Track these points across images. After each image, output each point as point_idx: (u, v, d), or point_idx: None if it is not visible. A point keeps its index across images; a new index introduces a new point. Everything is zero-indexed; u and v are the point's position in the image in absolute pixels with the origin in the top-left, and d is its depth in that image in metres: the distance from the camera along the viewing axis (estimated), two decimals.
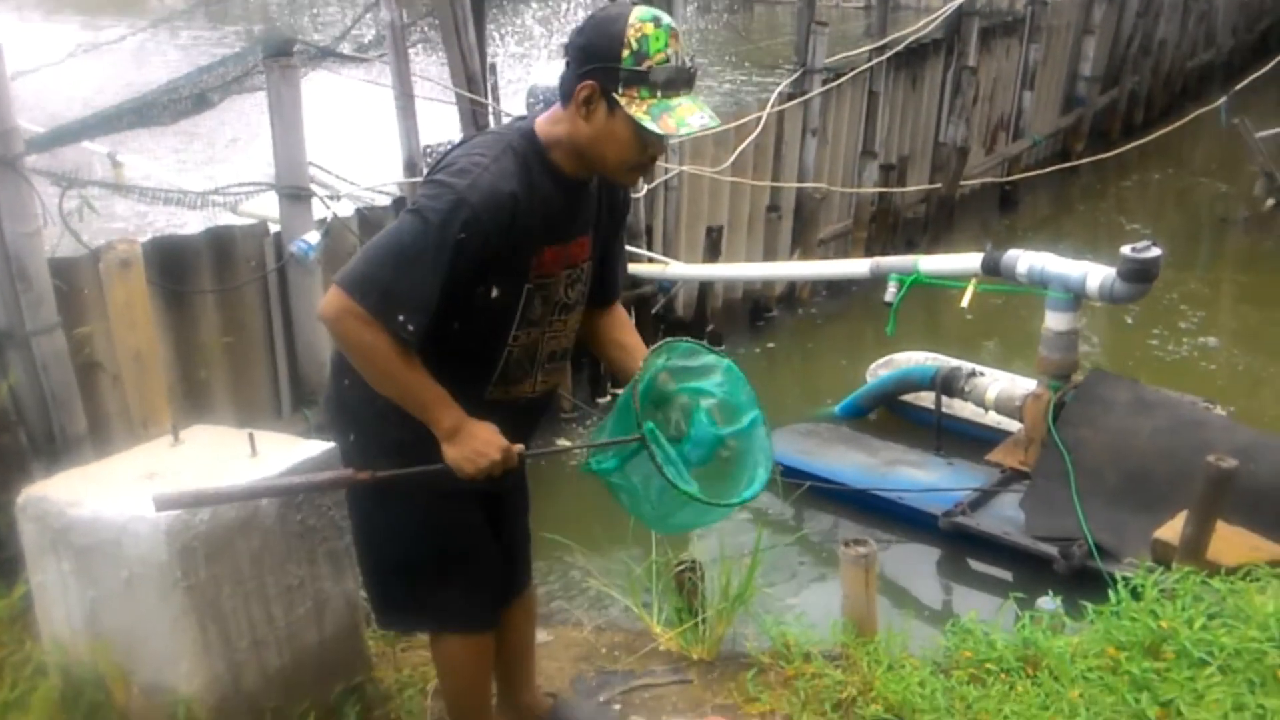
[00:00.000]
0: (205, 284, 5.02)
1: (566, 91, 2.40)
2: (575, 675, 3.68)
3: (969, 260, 5.86)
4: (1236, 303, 9.11)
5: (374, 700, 3.14)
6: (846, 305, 8.79)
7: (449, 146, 2.58)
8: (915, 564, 5.39)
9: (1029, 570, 5.00)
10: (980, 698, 3.24)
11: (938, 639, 3.65)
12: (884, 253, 8.34)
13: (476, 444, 2.45)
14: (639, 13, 2.33)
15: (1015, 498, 5.44)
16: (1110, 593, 3.54)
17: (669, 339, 2.58)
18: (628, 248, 7.36)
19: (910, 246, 9.42)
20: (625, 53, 2.31)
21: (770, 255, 8.57)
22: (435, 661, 2.99)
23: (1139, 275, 5.19)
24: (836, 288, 8.94)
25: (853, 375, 7.18)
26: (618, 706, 3.48)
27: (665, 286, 7.58)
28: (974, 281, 5.81)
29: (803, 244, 8.73)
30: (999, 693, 3.25)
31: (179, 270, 4.91)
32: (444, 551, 2.70)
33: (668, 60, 2.32)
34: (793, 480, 5.70)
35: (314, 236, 5.28)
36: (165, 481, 2.73)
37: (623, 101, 2.33)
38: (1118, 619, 3.39)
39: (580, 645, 3.90)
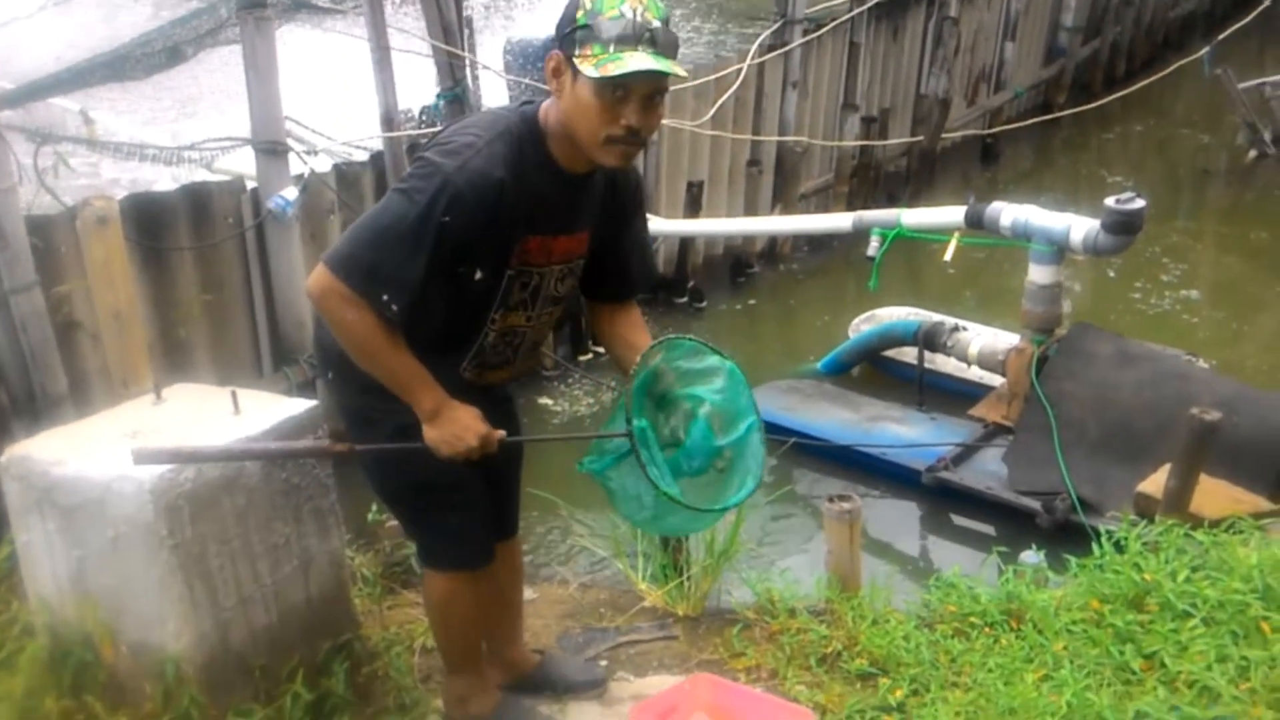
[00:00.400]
0: (183, 241, 4.96)
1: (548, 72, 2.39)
2: (561, 632, 3.69)
3: (952, 213, 5.84)
4: (1218, 255, 9.14)
5: (362, 657, 3.14)
6: (828, 260, 8.77)
7: (448, 122, 2.53)
8: (899, 520, 5.42)
9: (1012, 525, 5.02)
10: (964, 651, 3.26)
11: (921, 594, 3.67)
12: (865, 207, 8.32)
13: (456, 428, 2.47)
14: None
15: (998, 452, 5.46)
16: (1094, 546, 3.55)
17: (670, 336, 2.57)
18: None
19: (891, 200, 9.40)
20: (580, 13, 2.28)
21: (751, 210, 8.53)
22: (424, 599, 3.00)
23: (1123, 227, 5.18)
24: (818, 243, 8.91)
25: (835, 331, 7.18)
26: (604, 663, 3.49)
27: None
28: (957, 235, 5.80)
29: (784, 199, 8.69)
30: (983, 646, 3.28)
31: (156, 227, 4.85)
32: (429, 487, 2.68)
33: (620, 15, 2.26)
34: (776, 437, 5.70)
35: (292, 192, 5.22)
36: (148, 440, 2.70)
37: (577, 62, 2.29)
38: (1101, 572, 3.41)
39: (566, 602, 3.91)
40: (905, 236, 6.05)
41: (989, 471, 5.35)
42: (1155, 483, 4.37)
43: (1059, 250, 5.47)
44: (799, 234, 8.61)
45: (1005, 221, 5.55)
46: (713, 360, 2.58)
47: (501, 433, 2.53)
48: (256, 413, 2.87)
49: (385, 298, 2.34)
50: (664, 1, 2.34)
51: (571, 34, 2.29)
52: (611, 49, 2.25)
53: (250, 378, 5.21)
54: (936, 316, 6.49)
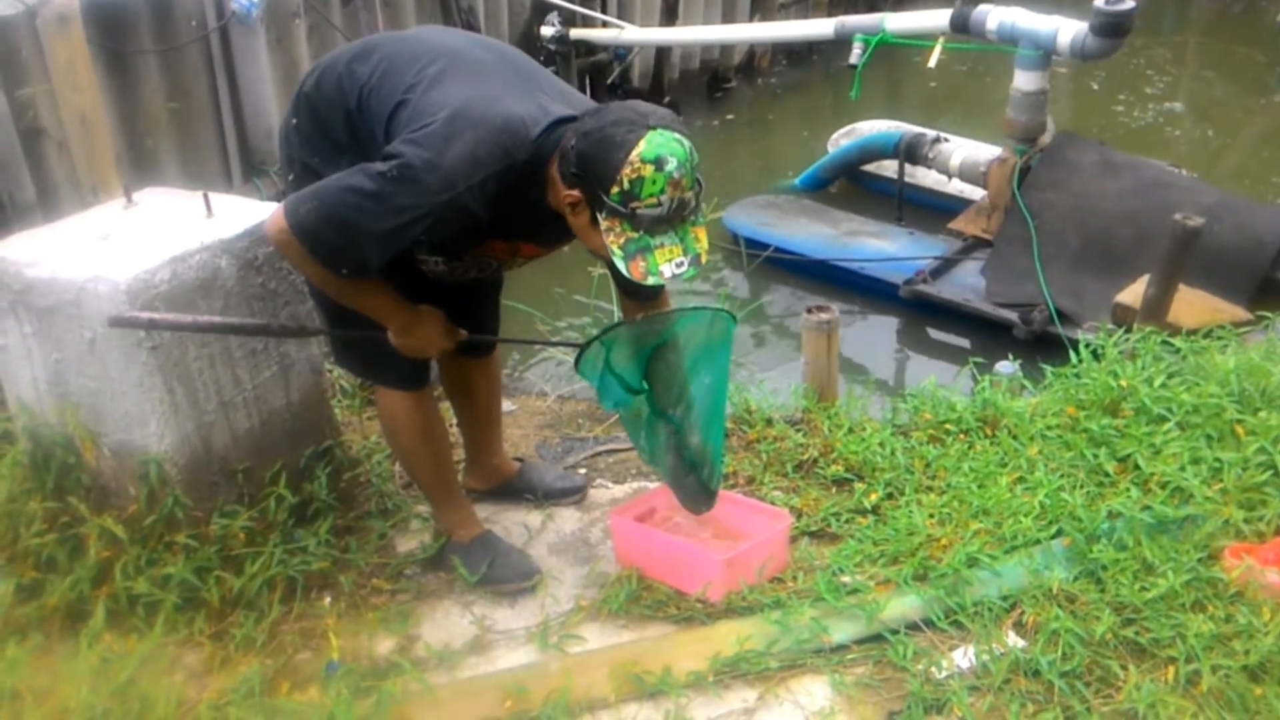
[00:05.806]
0: (145, 44, 4.79)
1: (563, 174, 2.30)
2: (540, 442, 3.71)
3: (937, 17, 5.68)
4: (1202, 68, 9.00)
5: (343, 464, 3.16)
6: (807, 75, 8.59)
7: (458, 105, 2.33)
8: (876, 334, 5.45)
9: (989, 337, 5.05)
10: (939, 456, 3.28)
11: (897, 403, 3.68)
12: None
13: (419, 342, 2.60)
14: (643, 149, 2.18)
15: (977, 265, 5.46)
16: (1071, 354, 3.56)
17: (704, 307, 2.69)
18: (582, 10, 7.10)
19: (873, 10, 9.15)
20: (615, 190, 2.20)
21: (729, 20, 8.30)
22: (379, 418, 3.02)
23: (1112, 29, 5.05)
24: (797, 57, 8.72)
25: (814, 146, 7.08)
26: (583, 470, 3.52)
27: (621, 54, 7.35)
28: (941, 40, 5.66)
29: (763, 8, 8.45)
30: (958, 451, 3.30)
31: (118, 29, 4.68)
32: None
33: (658, 205, 2.20)
34: (752, 252, 5.68)
35: None
36: (121, 242, 2.65)
37: (604, 225, 2.24)
38: (1078, 379, 3.42)
39: (545, 414, 3.92)
40: (889, 42, 5.90)
41: (967, 285, 5.36)
42: (1134, 293, 4.36)
43: (1045, 55, 5.35)
44: (779, 42, 8.39)
45: (991, 24, 5.41)
46: (727, 326, 2.68)
47: (464, 333, 2.67)
48: (230, 216, 2.81)
49: (345, 271, 2.40)
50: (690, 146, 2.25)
51: (599, 197, 2.22)
52: (641, 232, 2.24)
53: (221, 189, 5.09)
54: (918, 129, 6.39)
